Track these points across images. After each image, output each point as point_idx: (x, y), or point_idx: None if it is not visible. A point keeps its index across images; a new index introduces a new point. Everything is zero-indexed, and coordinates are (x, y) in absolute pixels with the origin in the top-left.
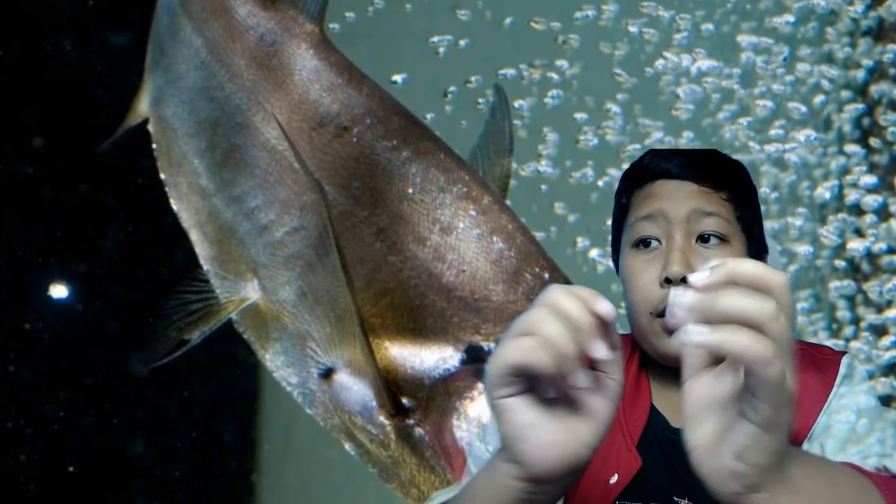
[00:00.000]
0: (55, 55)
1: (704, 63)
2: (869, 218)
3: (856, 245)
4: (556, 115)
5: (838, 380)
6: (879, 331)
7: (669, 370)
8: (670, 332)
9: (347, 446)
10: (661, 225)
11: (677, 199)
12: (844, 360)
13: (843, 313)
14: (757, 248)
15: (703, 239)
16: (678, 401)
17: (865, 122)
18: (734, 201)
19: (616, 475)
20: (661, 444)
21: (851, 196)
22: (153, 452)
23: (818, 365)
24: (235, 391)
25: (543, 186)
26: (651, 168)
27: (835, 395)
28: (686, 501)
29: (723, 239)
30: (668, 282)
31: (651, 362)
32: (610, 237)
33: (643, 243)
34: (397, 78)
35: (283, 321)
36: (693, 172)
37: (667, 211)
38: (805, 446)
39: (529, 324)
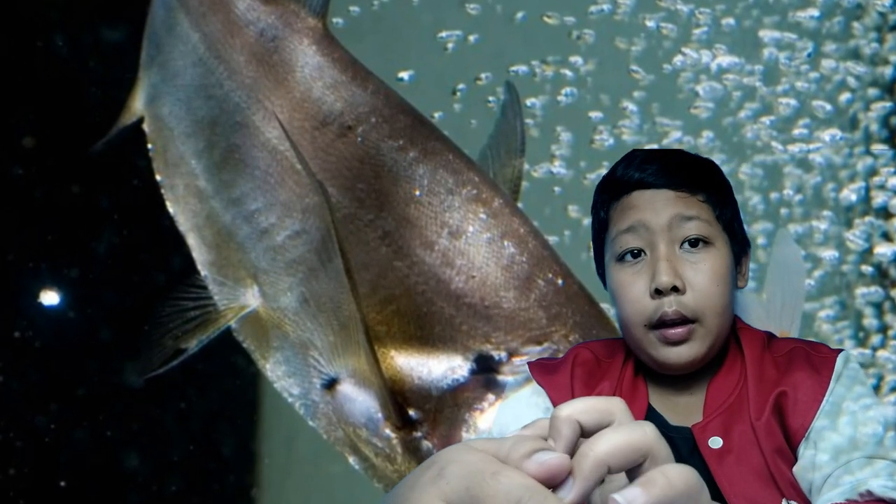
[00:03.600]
0: (47, 51)
1: (725, 59)
2: None
3: (883, 250)
4: (570, 114)
5: (834, 377)
6: None
7: (667, 375)
8: (666, 341)
9: (352, 460)
10: (643, 236)
11: (656, 209)
12: (840, 358)
13: (870, 321)
14: (740, 245)
15: (686, 243)
16: (676, 401)
17: (893, 120)
18: (712, 202)
19: None
20: None
21: (879, 198)
22: (149, 466)
23: (814, 364)
24: (235, 402)
25: (557, 188)
26: (626, 179)
27: (831, 392)
28: None
29: (706, 241)
30: (658, 293)
31: (648, 368)
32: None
33: (628, 256)
34: (403, 75)
35: (284, 329)
36: (669, 179)
37: (647, 221)
38: (801, 447)
39: None
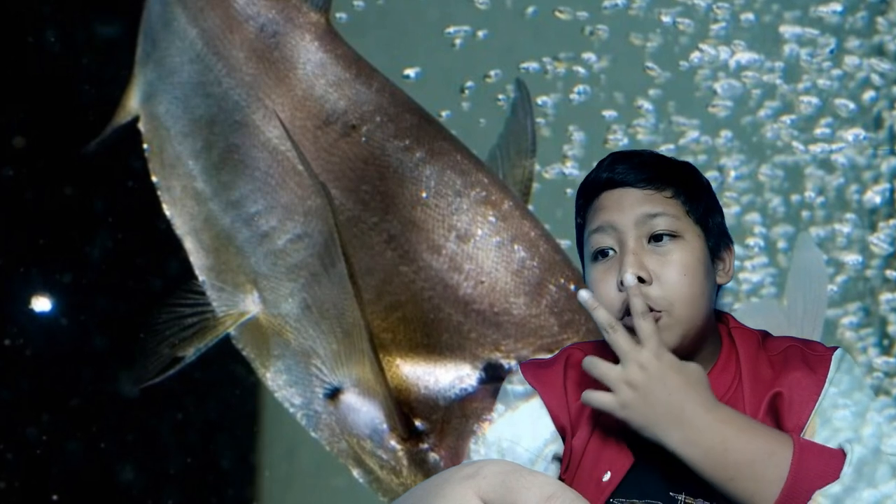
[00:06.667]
0: (38, 47)
1: (744, 56)
2: None
3: None
4: (583, 113)
5: (829, 375)
6: None
7: None
8: (634, 330)
9: (355, 473)
10: (612, 235)
11: (623, 208)
12: (836, 356)
13: (894, 328)
14: (716, 239)
15: (656, 238)
16: None
17: None
18: (681, 197)
19: (609, 472)
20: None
21: None
22: (144, 479)
23: (809, 362)
24: (234, 413)
25: (569, 190)
26: (596, 181)
27: (827, 390)
28: (683, 496)
29: (674, 235)
30: (623, 285)
31: None
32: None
33: (600, 254)
34: (410, 72)
35: (285, 337)
36: (634, 177)
37: (614, 221)
38: None
39: None
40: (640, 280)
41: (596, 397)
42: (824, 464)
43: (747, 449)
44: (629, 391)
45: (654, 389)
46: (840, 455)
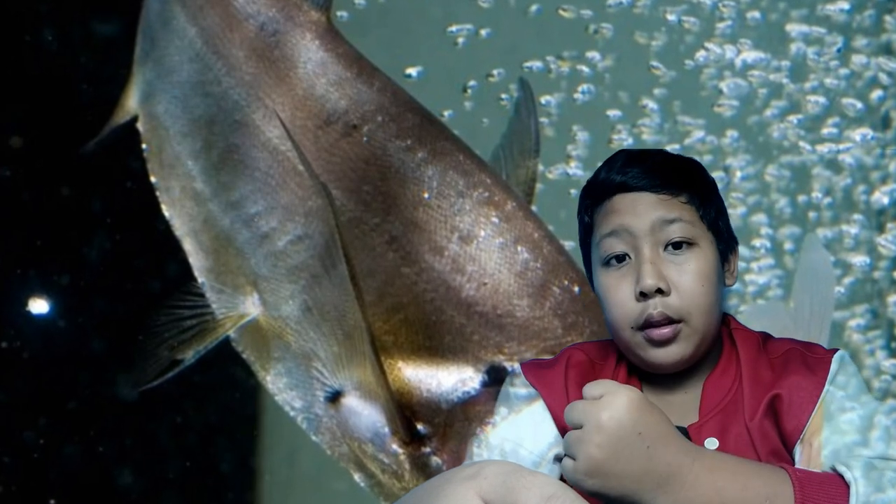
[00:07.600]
0: (35, 46)
1: (750, 55)
2: None
3: None
4: (587, 113)
5: (829, 377)
6: None
7: (661, 375)
8: (652, 342)
9: (357, 477)
10: (626, 240)
11: (638, 213)
12: (835, 359)
13: None
14: (726, 243)
15: (670, 246)
16: (671, 400)
17: None
18: (695, 202)
19: None
20: None
21: None
22: (143, 483)
23: (809, 364)
24: (234, 416)
25: (573, 190)
26: (608, 183)
27: (828, 391)
28: None
29: (690, 242)
30: (642, 295)
31: (641, 368)
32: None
33: (613, 260)
34: (412, 71)
35: (285, 339)
36: (650, 182)
37: (630, 226)
38: (797, 449)
39: None
40: (660, 291)
41: (564, 466)
42: (828, 497)
43: (745, 498)
44: (597, 452)
45: (629, 444)
46: (839, 480)
